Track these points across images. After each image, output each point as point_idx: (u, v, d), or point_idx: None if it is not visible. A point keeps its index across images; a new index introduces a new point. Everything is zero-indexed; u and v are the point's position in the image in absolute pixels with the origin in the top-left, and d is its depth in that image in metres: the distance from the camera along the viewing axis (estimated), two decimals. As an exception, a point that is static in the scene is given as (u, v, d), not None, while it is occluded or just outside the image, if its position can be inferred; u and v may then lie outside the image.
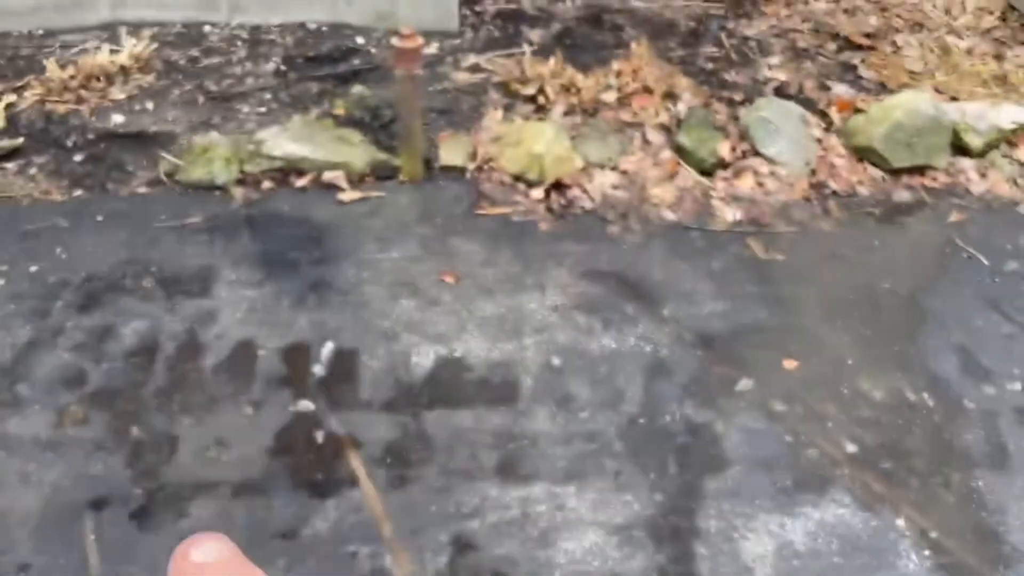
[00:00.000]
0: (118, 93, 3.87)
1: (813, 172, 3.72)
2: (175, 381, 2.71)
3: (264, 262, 3.16)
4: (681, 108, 3.88)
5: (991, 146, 3.86)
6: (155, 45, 4.15)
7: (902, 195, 3.68)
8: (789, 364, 2.88)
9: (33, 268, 3.10)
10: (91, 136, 3.68)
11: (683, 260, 3.27)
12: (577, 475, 2.50)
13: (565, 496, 2.45)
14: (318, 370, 2.77)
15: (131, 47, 4.03)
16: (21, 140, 3.62)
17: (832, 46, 4.52)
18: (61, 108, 3.77)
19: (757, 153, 3.73)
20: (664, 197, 3.55)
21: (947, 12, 4.81)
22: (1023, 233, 3.52)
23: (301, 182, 3.53)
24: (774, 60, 4.37)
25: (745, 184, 3.64)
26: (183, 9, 4.33)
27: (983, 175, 3.79)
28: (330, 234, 3.30)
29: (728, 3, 4.85)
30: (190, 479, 2.44)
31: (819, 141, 3.85)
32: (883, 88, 4.18)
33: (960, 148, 3.84)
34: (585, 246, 3.31)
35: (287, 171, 3.55)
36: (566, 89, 3.93)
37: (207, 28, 4.35)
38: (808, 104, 4.01)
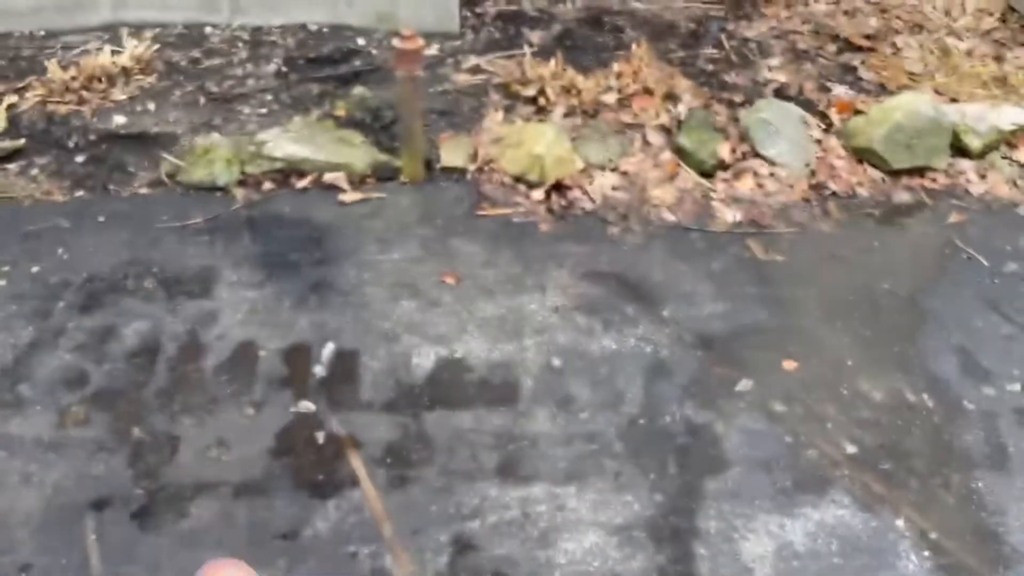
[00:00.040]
0: (119, 94, 3.88)
1: (813, 173, 3.73)
2: (176, 382, 2.72)
3: (265, 263, 3.17)
4: (681, 109, 3.89)
5: (991, 147, 3.87)
6: (156, 46, 4.16)
7: (902, 196, 3.69)
8: (789, 365, 2.89)
9: (35, 269, 3.11)
10: (92, 137, 3.68)
11: (683, 261, 3.28)
12: (577, 476, 2.51)
13: (565, 497, 2.46)
14: (319, 371, 2.78)
15: (132, 48, 4.04)
16: (23, 141, 3.63)
17: (832, 48, 4.53)
18: (63, 109, 3.78)
19: (757, 154, 3.74)
20: (664, 198, 3.56)
21: (947, 13, 4.82)
22: (1023, 234, 3.52)
23: (302, 183, 3.53)
24: (774, 62, 4.38)
25: (745, 185, 3.65)
26: (184, 10, 4.34)
27: (983, 176, 3.80)
28: (331, 235, 3.31)
29: (728, 5, 4.86)
30: (191, 479, 2.45)
31: (819, 142, 3.86)
32: (883, 89, 4.19)
33: (960, 149, 3.85)
34: (585, 247, 3.31)
35: (288, 172, 3.56)
36: (567, 90, 3.94)
37: (208, 29, 4.36)
38: (808, 105, 4.02)
